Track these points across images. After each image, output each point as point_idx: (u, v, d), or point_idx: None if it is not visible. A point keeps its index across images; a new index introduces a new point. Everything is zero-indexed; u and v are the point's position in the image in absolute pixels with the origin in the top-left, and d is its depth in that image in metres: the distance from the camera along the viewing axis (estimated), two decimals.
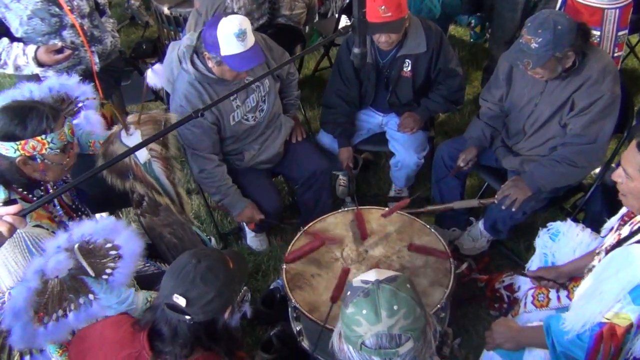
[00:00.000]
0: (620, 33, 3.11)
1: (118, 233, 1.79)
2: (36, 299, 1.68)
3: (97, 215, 2.42)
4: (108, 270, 1.80)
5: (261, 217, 2.87)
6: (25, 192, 1.94)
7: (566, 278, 2.21)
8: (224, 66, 2.51)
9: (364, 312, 1.41)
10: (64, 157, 1.93)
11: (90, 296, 1.80)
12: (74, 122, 2.15)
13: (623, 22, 3.07)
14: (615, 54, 3.17)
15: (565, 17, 2.39)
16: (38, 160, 1.86)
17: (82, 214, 2.15)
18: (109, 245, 1.79)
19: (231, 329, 1.77)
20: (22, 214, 1.37)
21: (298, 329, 2.40)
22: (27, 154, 1.83)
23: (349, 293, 1.49)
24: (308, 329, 2.34)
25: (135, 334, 1.67)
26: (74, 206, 2.14)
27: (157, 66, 2.15)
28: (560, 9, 3.15)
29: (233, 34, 2.39)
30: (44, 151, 1.84)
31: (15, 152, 1.81)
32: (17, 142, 1.79)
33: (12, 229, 1.36)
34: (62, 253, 1.69)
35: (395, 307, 1.41)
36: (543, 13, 2.42)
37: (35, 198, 1.94)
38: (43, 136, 1.82)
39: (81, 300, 1.78)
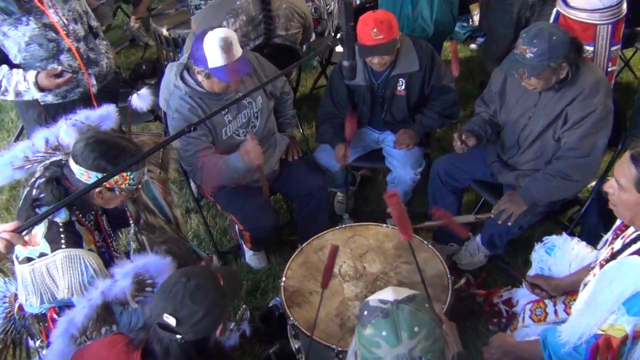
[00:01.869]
0: (613, 48, 3.14)
1: (163, 273, 1.90)
2: (88, 321, 1.80)
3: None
4: (136, 300, 1.91)
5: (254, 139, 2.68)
6: (81, 215, 2.00)
7: (562, 292, 2.22)
8: (212, 78, 2.56)
9: (384, 333, 1.38)
10: (136, 192, 2.07)
11: (114, 327, 1.90)
12: None
13: (616, 37, 3.10)
14: (609, 69, 3.20)
15: (560, 29, 2.43)
16: (117, 192, 1.95)
17: (112, 241, 2.22)
18: (149, 281, 1.89)
19: (223, 346, 1.78)
20: (19, 231, 1.39)
21: (297, 346, 2.39)
22: (108, 186, 1.92)
23: (365, 313, 1.44)
24: (306, 346, 2.33)
25: (129, 353, 1.68)
26: (109, 232, 2.21)
27: (143, 90, 2.21)
28: None
29: (219, 46, 2.45)
30: (123, 186, 1.94)
31: None
32: (103, 175, 1.86)
33: (10, 246, 1.38)
34: (127, 280, 1.82)
35: (415, 329, 1.37)
36: (537, 25, 2.46)
37: (87, 222, 2.02)
38: (128, 173, 1.91)
39: (103, 330, 1.87)
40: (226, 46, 2.46)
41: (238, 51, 2.53)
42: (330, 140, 3.12)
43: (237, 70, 2.52)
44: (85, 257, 1.87)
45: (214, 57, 2.47)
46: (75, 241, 1.89)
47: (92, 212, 2.07)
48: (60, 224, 1.89)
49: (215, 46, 2.45)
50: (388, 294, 1.45)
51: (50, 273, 1.84)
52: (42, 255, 1.84)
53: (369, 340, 1.40)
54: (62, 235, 1.87)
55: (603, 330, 1.71)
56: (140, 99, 2.25)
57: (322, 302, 2.14)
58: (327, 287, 2.20)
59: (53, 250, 1.84)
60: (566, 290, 2.23)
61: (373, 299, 1.46)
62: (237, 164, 2.67)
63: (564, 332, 1.81)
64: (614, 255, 1.80)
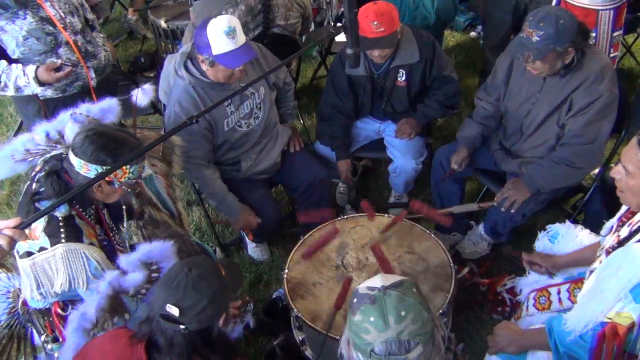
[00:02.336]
0: (615, 33, 3.12)
1: (167, 258, 1.92)
2: (101, 312, 1.82)
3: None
4: (143, 291, 1.91)
5: (258, 221, 2.85)
6: (81, 209, 2.00)
7: (560, 269, 2.22)
8: (217, 66, 2.53)
9: (372, 319, 1.41)
10: (136, 186, 2.06)
11: (126, 316, 1.91)
12: None
13: (618, 22, 3.08)
14: (611, 55, 3.18)
15: (567, 13, 2.40)
16: (116, 185, 1.94)
17: (115, 234, 2.21)
18: (154, 267, 1.90)
19: (227, 336, 1.78)
20: (22, 227, 1.39)
21: (301, 338, 2.39)
22: (107, 180, 1.90)
23: (355, 300, 1.48)
24: (311, 338, 2.33)
25: (133, 347, 1.68)
26: (111, 225, 2.20)
27: (146, 85, 2.20)
28: None
29: (223, 32, 2.43)
30: (122, 179, 1.92)
31: (95, 175, 1.85)
32: (102, 167, 1.85)
33: (12, 242, 1.38)
34: (140, 272, 1.83)
35: (402, 313, 1.40)
36: (545, 8, 2.44)
37: (87, 216, 2.02)
38: (128, 166, 1.89)
39: (115, 320, 1.89)
40: (230, 32, 2.43)
41: (242, 37, 2.50)
42: (334, 151, 3.15)
43: (241, 55, 2.50)
44: (85, 251, 1.87)
45: (218, 43, 2.45)
46: (75, 235, 1.89)
47: (93, 206, 2.06)
48: (60, 218, 1.88)
49: (220, 32, 2.43)
50: (376, 281, 1.49)
51: (51, 267, 1.84)
52: (42, 249, 1.83)
53: (358, 327, 1.43)
54: (61, 230, 1.86)
55: (609, 318, 1.70)
56: (144, 94, 2.23)
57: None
58: (340, 309, 2.22)
59: (53, 244, 1.84)
60: (566, 266, 2.22)
61: (362, 286, 1.50)
62: (227, 211, 2.83)
63: (569, 320, 1.80)
64: (620, 243, 1.78)
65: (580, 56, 2.42)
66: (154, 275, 1.90)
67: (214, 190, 2.80)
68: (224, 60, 2.49)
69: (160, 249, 1.92)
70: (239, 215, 2.83)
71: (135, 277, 1.84)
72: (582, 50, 2.41)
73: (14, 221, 1.39)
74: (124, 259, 1.87)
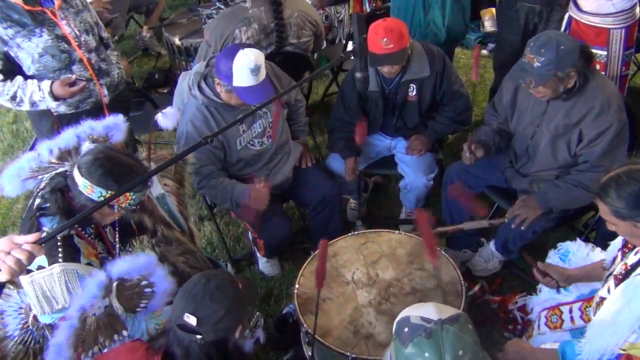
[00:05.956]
0: (627, 52, 3.13)
1: (152, 270, 1.91)
2: (75, 338, 1.79)
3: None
4: (142, 305, 1.92)
5: (269, 187, 2.73)
6: (80, 229, 2.01)
7: (572, 283, 2.21)
8: (233, 94, 2.57)
9: (427, 354, 1.36)
10: (134, 212, 2.08)
11: (125, 332, 1.90)
12: None
13: (629, 41, 3.10)
14: (623, 73, 3.19)
15: (568, 38, 2.42)
16: (116, 209, 1.96)
17: (121, 252, 2.21)
18: (144, 282, 1.89)
19: (242, 349, 1.79)
20: (40, 243, 1.41)
21: (310, 353, 2.39)
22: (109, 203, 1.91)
23: (406, 330, 1.42)
24: (320, 353, 2.33)
25: (149, 358, 1.69)
26: (114, 243, 2.21)
27: (168, 109, 2.23)
28: (565, 30, 3.19)
29: (248, 68, 2.46)
30: (123, 204, 1.94)
31: (98, 197, 1.88)
32: (107, 191, 1.87)
33: (31, 257, 1.40)
34: (99, 297, 1.81)
35: (460, 352, 1.35)
36: (546, 33, 2.45)
37: (87, 235, 2.02)
38: (131, 193, 1.91)
39: (116, 337, 1.87)
40: (255, 69, 2.47)
41: (264, 73, 2.54)
42: (340, 152, 3.14)
43: (259, 93, 2.53)
44: (80, 272, 1.87)
45: (241, 77, 2.48)
46: (72, 255, 1.89)
47: (92, 226, 2.06)
48: (59, 237, 1.89)
49: (245, 68, 2.46)
50: (431, 312, 1.42)
51: (48, 285, 1.84)
52: (40, 268, 1.84)
53: None
54: (59, 249, 1.87)
55: (624, 350, 1.70)
56: (166, 118, 2.27)
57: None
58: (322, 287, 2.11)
59: (50, 263, 1.84)
60: (578, 281, 2.21)
61: (414, 315, 1.43)
62: (240, 196, 2.73)
63: (584, 351, 1.79)
64: (629, 271, 1.80)
65: (584, 80, 2.42)
66: (148, 290, 1.90)
67: (225, 193, 2.75)
68: (242, 94, 2.52)
69: (139, 265, 1.91)
70: (249, 193, 2.73)
71: (99, 304, 1.83)
72: (585, 74, 2.42)
73: (33, 236, 1.41)
74: (90, 282, 1.83)
